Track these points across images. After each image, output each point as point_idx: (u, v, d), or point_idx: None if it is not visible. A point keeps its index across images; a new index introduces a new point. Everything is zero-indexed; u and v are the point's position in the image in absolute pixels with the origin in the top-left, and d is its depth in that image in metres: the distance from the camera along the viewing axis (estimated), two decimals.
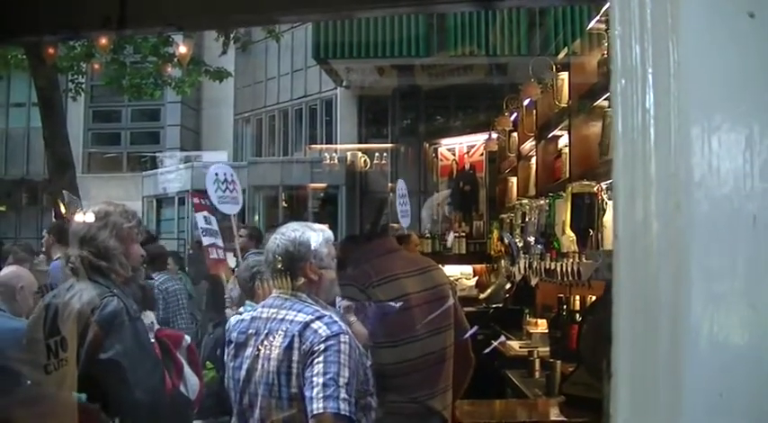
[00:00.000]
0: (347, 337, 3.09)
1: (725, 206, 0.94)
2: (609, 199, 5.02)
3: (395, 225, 7.91)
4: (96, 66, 14.88)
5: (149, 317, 3.69)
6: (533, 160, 8.16)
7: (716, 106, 0.95)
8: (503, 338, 6.73)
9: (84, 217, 3.59)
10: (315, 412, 2.94)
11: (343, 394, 2.96)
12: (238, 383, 3.24)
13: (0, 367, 3.72)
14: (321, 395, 2.95)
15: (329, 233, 3.38)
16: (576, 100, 6.17)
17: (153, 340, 3.47)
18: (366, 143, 20.67)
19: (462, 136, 14.98)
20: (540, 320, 7.60)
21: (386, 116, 20.62)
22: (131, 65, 14.85)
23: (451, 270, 10.44)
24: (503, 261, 10.35)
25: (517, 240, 8.05)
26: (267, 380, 3.11)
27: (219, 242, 6.45)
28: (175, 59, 13.54)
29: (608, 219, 5.03)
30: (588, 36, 6.26)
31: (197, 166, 22.25)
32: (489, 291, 10.71)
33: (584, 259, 5.34)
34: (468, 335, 4.13)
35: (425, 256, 7.25)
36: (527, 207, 7.36)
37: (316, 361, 3.01)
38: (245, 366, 3.21)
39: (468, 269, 11.87)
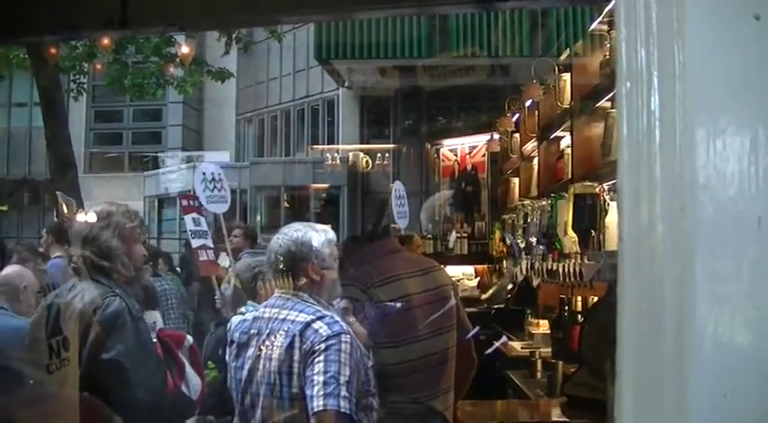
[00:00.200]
0: (348, 336, 3.10)
1: (730, 208, 0.95)
2: (611, 200, 5.02)
3: (396, 226, 7.89)
4: (98, 66, 14.91)
5: (154, 316, 3.69)
6: (535, 161, 8.15)
7: (721, 109, 0.95)
8: (504, 339, 6.73)
9: (85, 217, 3.59)
10: (315, 410, 2.95)
11: (343, 392, 2.97)
12: (240, 383, 3.24)
13: (3, 366, 3.72)
14: (322, 393, 2.95)
15: (331, 234, 3.39)
16: (578, 101, 6.17)
17: (155, 340, 3.48)
18: (368, 144, 20.68)
19: (464, 137, 14.97)
20: (541, 321, 7.59)
21: (388, 117, 20.63)
22: (133, 65, 14.86)
23: (453, 271, 10.44)
24: (505, 262, 10.34)
25: (519, 241, 8.05)
26: (268, 380, 3.12)
27: (209, 243, 6.43)
28: (177, 60, 13.55)
29: (610, 220, 5.03)
30: (590, 37, 6.25)
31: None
32: (491, 291, 10.71)
33: (585, 260, 5.34)
34: (469, 335, 4.13)
35: (427, 256, 7.26)
36: (529, 208, 7.36)
37: (316, 360, 3.02)
38: (246, 366, 3.22)
39: (469, 270, 11.87)
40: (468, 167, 14.18)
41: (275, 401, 3.11)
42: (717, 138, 0.94)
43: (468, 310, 4.36)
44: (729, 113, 0.95)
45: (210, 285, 6.19)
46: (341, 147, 20.89)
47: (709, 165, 0.94)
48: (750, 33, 0.95)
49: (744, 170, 0.94)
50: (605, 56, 5.53)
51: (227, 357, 3.40)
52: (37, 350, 3.39)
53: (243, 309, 4.29)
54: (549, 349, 6.41)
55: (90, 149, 28.34)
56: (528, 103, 8.38)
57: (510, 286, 9.69)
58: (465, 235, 12.15)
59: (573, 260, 5.59)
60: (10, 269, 4.73)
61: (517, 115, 9.34)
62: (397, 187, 8.20)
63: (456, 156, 14.77)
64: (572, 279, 5.56)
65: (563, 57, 7.82)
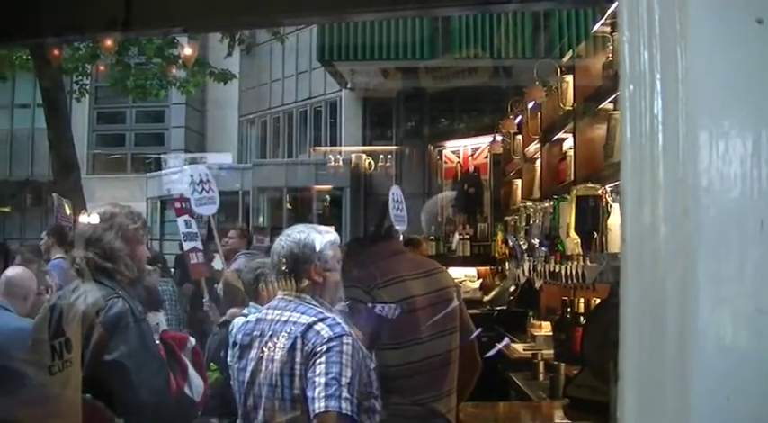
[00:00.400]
0: (350, 338, 3.10)
1: (732, 211, 0.95)
2: (613, 202, 5.02)
3: (398, 227, 7.89)
4: (101, 67, 14.92)
5: (157, 318, 3.70)
6: (538, 163, 8.16)
7: (724, 112, 0.95)
8: (507, 341, 6.73)
9: (87, 218, 3.60)
10: (317, 411, 2.95)
11: (345, 394, 2.97)
12: (243, 385, 3.25)
13: (5, 367, 3.72)
14: (323, 394, 2.95)
15: (334, 235, 3.39)
16: (580, 103, 6.18)
17: (158, 342, 3.48)
18: (370, 145, 20.69)
19: (467, 138, 14.96)
20: (544, 323, 7.59)
21: (390, 118, 20.63)
22: (136, 66, 14.87)
23: (456, 272, 10.43)
24: (507, 263, 10.34)
25: (521, 243, 8.04)
26: (270, 381, 3.13)
27: (200, 246, 6.42)
28: (180, 61, 13.56)
29: (612, 221, 5.03)
30: (593, 39, 6.26)
31: None
32: (493, 293, 10.71)
33: (588, 262, 5.34)
34: (472, 337, 4.13)
35: (429, 258, 7.24)
36: (531, 209, 7.35)
37: (318, 361, 3.02)
38: (249, 368, 3.22)
39: (472, 271, 11.86)
40: (471, 169, 14.18)
41: (277, 403, 3.12)
42: (719, 141, 0.95)
43: (470, 311, 4.35)
44: (732, 116, 0.95)
45: (201, 288, 6.21)
46: (343, 148, 20.89)
47: (712, 167, 0.95)
48: (752, 36, 0.95)
49: (746, 173, 0.95)
50: (608, 58, 5.53)
51: (229, 359, 3.41)
52: (39, 351, 3.40)
53: (245, 310, 4.30)
54: (552, 351, 6.40)
55: (93, 151, 28.35)
56: (530, 104, 8.38)
57: (512, 288, 9.69)
58: (467, 237, 12.13)
59: (575, 262, 5.59)
60: (13, 271, 4.74)
61: (520, 117, 9.34)
62: (395, 191, 8.21)
63: (458, 157, 14.77)
64: (574, 281, 5.56)
65: (566, 58, 7.83)
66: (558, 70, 7.01)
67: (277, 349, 3.13)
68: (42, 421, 3.45)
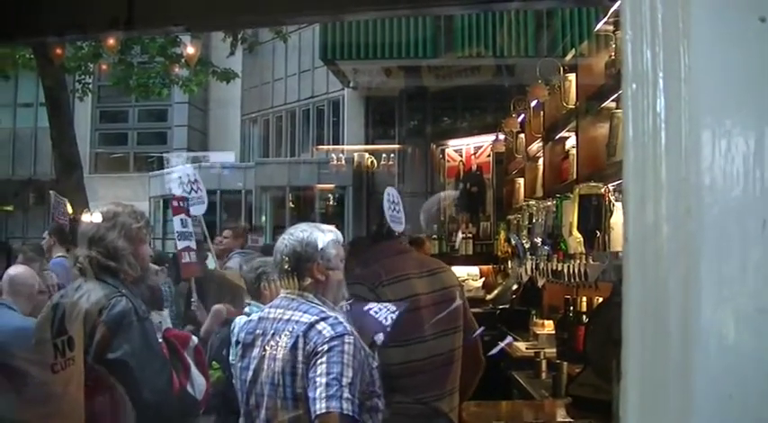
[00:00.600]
0: (352, 337, 3.10)
1: (735, 210, 0.95)
2: (616, 200, 5.01)
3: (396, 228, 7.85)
4: (104, 66, 14.93)
5: (161, 316, 3.70)
6: (540, 161, 8.15)
7: (726, 111, 0.95)
8: (510, 339, 6.72)
9: (90, 217, 3.60)
10: (318, 412, 2.95)
11: (346, 394, 2.96)
12: (245, 384, 3.25)
13: (7, 365, 3.73)
14: (324, 395, 2.95)
15: (338, 234, 3.39)
16: (583, 101, 6.17)
17: (161, 340, 3.48)
18: (373, 144, 20.67)
19: (469, 137, 14.95)
20: (546, 322, 7.59)
21: (393, 117, 20.59)
22: (139, 65, 14.86)
23: (458, 271, 10.41)
24: (510, 262, 10.34)
25: (524, 241, 8.04)
26: (272, 380, 3.13)
27: (193, 245, 6.42)
28: (183, 60, 13.56)
29: (615, 220, 5.02)
30: (596, 38, 6.25)
31: (204, 167, 22.32)
32: (496, 292, 10.71)
33: (591, 261, 5.34)
34: (475, 335, 4.13)
35: (432, 257, 7.23)
36: (534, 208, 7.35)
37: (319, 361, 3.02)
38: (252, 367, 3.22)
39: (474, 270, 11.86)
40: (474, 168, 14.18)
41: (279, 402, 3.12)
42: (722, 139, 0.95)
43: (472, 310, 4.35)
44: (735, 115, 0.95)
45: (190, 287, 6.20)
46: (346, 147, 20.89)
47: (715, 166, 0.95)
48: (755, 35, 0.95)
49: (749, 172, 0.95)
50: (611, 56, 5.53)
51: (231, 358, 3.41)
52: (42, 350, 3.41)
53: (247, 309, 4.31)
54: (554, 350, 6.40)
55: (95, 150, 28.39)
56: (533, 103, 8.38)
57: (515, 287, 9.68)
58: (470, 235, 12.14)
59: (578, 261, 5.59)
60: (16, 269, 4.75)
61: (522, 116, 9.33)
62: (390, 192, 8.16)
63: (461, 156, 14.76)
64: (577, 279, 5.56)
65: (568, 57, 7.82)
66: (561, 69, 7.01)
67: (279, 348, 3.13)
68: (45, 419, 3.46)
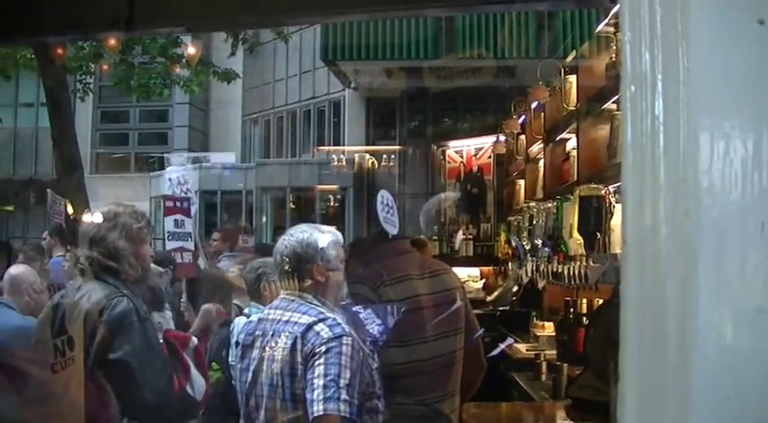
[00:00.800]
0: (350, 339, 3.09)
1: (733, 212, 0.95)
2: (617, 202, 5.01)
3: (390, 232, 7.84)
4: (105, 66, 14.92)
5: (163, 317, 3.70)
6: (541, 163, 8.15)
7: (725, 113, 0.95)
8: (510, 341, 6.72)
9: (91, 217, 3.61)
10: (315, 414, 2.95)
11: (343, 396, 2.96)
12: (245, 385, 3.25)
13: (7, 365, 3.73)
14: (321, 397, 2.95)
15: (338, 235, 3.39)
16: (584, 103, 6.17)
17: (161, 341, 3.49)
18: (374, 145, 20.66)
19: (470, 138, 14.94)
20: (546, 323, 7.59)
21: (394, 118, 20.60)
22: (140, 65, 14.86)
23: (459, 272, 10.40)
24: (510, 264, 10.34)
25: (524, 243, 8.03)
26: (272, 381, 3.13)
27: (189, 246, 6.41)
28: (184, 61, 13.56)
29: (615, 222, 5.02)
30: (596, 39, 6.25)
31: (205, 167, 22.32)
32: (496, 293, 10.71)
33: (591, 262, 5.33)
34: (476, 336, 4.13)
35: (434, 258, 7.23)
36: (534, 210, 7.35)
37: (317, 363, 3.02)
38: (251, 368, 3.23)
39: (475, 271, 11.86)
40: (474, 169, 14.17)
41: (279, 403, 3.12)
42: (720, 141, 0.95)
43: (473, 311, 4.35)
44: (733, 117, 0.95)
45: (180, 287, 6.20)
46: (347, 148, 20.88)
47: (713, 169, 0.95)
48: (753, 37, 0.95)
49: (747, 174, 0.95)
50: (611, 58, 5.52)
51: (231, 359, 3.41)
52: (42, 349, 3.41)
53: (246, 310, 4.31)
54: (554, 351, 6.40)
55: (96, 150, 28.36)
56: (534, 104, 8.38)
57: (515, 288, 9.68)
58: (470, 237, 12.14)
59: (578, 262, 5.58)
60: (17, 269, 4.75)
61: (523, 117, 9.33)
62: (383, 195, 8.16)
63: (462, 157, 14.75)
64: (577, 281, 5.55)
65: (569, 59, 7.81)
66: (562, 70, 7.01)
67: (278, 349, 3.13)
68: (44, 419, 3.45)
